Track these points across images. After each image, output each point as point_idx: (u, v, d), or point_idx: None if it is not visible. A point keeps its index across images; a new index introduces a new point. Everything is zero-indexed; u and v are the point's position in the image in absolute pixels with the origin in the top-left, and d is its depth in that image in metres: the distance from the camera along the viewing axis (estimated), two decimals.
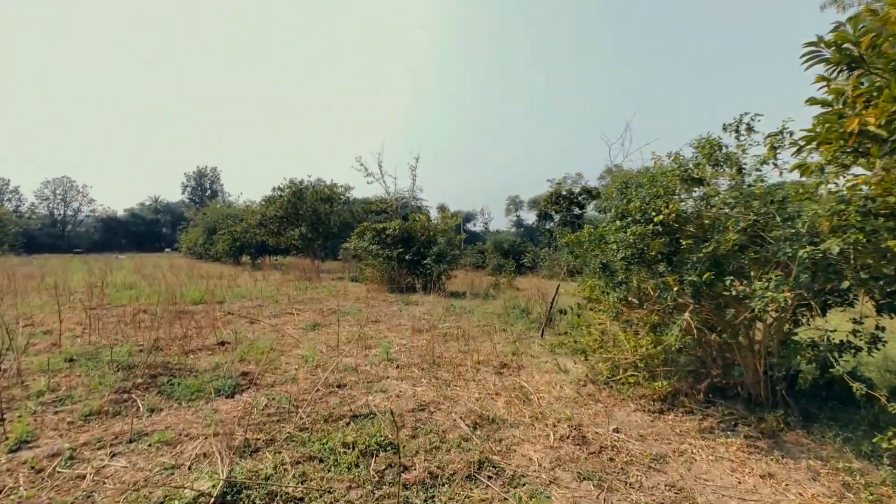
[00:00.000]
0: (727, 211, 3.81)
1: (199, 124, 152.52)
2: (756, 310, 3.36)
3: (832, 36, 2.96)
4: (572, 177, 53.30)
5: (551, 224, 37.25)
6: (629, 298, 4.53)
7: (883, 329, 4.40)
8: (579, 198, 32.60)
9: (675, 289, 3.86)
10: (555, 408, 4.60)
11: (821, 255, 3.17)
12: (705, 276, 3.60)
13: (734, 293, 3.67)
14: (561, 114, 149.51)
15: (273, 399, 4.70)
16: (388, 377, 5.67)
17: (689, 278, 3.75)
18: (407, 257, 16.80)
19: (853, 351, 4.40)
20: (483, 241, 43.24)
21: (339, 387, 5.24)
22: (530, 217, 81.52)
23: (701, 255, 3.74)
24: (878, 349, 4.45)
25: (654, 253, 4.08)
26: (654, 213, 4.10)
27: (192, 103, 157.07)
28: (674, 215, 3.91)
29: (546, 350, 7.42)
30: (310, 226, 24.91)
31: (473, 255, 33.07)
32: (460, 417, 4.32)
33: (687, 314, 3.85)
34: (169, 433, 3.82)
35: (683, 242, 3.88)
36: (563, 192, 33.07)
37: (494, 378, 5.66)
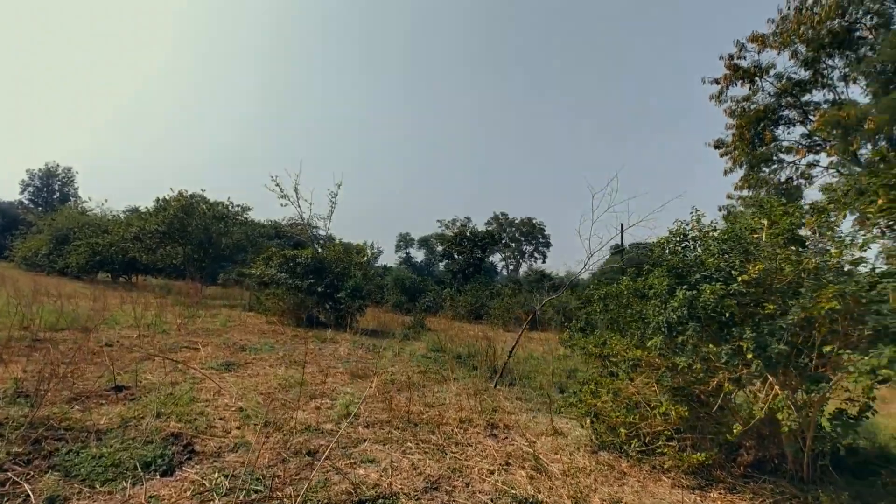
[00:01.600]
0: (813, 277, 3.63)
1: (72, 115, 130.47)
2: (857, 384, 3.14)
3: None
4: (461, 220, 55.00)
5: (446, 262, 37.50)
6: (693, 364, 4.11)
7: (874, 399, 4.53)
8: (482, 242, 33.37)
9: (750, 356, 3.54)
10: (586, 483, 3.98)
11: None
12: (828, 349, 3.34)
13: (815, 364, 3.46)
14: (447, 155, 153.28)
15: (234, 477, 3.45)
16: (363, 440, 4.62)
17: (778, 347, 3.45)
18: (319, 289, 15.35)
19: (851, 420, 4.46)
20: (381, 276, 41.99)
21: (309, 454, 4.10)
22: (419, 255, 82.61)
23: (790, 321, 3.49)
24: (866, 417, 4.56)
25: (726, 315, 3.76)
26: (734, 272, 3.83)
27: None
28: (756, 276, 3.66)
29: (513, 403, 6.83)
30: (197, 245, 21.94)
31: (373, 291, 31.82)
32: (491, 500, 3.50)
33: (777, 387, 3.56)
34: None
35: (770, 307, 3.62)
36: (468, 234, 33.65)
37: (490, 442, 4.90)
